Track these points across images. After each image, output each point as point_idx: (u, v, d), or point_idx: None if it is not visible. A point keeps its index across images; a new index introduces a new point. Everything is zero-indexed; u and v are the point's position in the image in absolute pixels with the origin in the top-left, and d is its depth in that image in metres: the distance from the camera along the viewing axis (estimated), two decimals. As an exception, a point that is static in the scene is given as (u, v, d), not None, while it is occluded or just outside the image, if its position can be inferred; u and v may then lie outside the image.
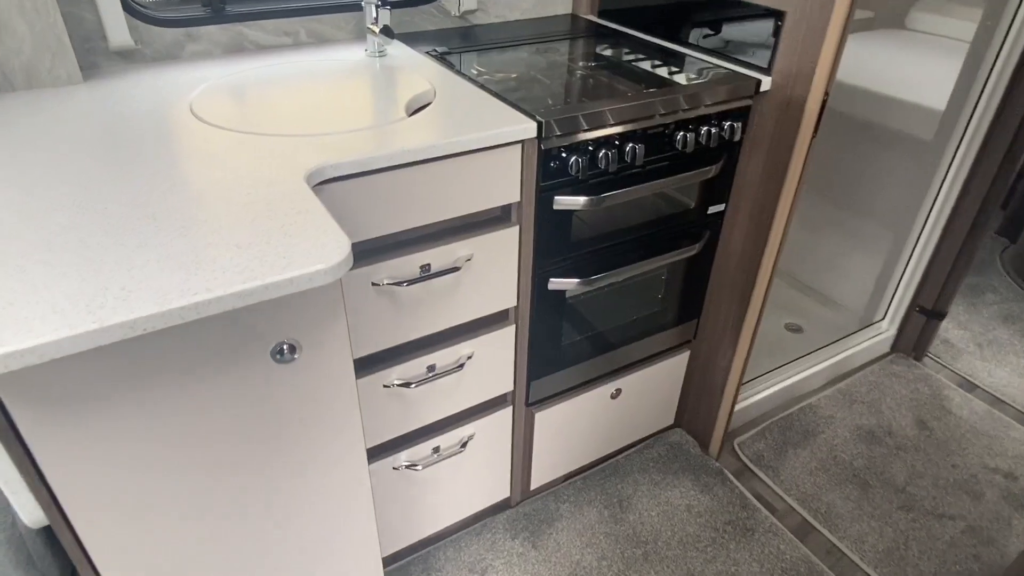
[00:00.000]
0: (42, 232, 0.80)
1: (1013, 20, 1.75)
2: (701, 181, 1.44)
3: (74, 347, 0.64)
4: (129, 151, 1.00)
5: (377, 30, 1.39)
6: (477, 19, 1.67)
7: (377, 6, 1.39)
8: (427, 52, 1.46)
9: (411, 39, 1.55)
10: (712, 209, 1.51)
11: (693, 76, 1.37)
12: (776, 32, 1.33)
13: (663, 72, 1.40)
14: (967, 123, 1.91)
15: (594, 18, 1.77)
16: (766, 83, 1.37)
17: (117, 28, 1.28)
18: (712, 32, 1.47)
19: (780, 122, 1.38)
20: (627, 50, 1.54)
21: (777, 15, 1.32)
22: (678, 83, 1.34)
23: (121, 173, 0.93)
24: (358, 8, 1.51)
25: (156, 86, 1.24)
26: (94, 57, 1.31)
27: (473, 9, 1.64)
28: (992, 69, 1.82)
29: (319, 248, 0.77)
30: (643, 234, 1.44)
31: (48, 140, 1.03)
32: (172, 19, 1.36)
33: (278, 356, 0.83)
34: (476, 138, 1.08)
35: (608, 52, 1.54)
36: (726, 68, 1.41)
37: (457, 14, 1.63)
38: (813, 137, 1.34)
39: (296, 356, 0.84)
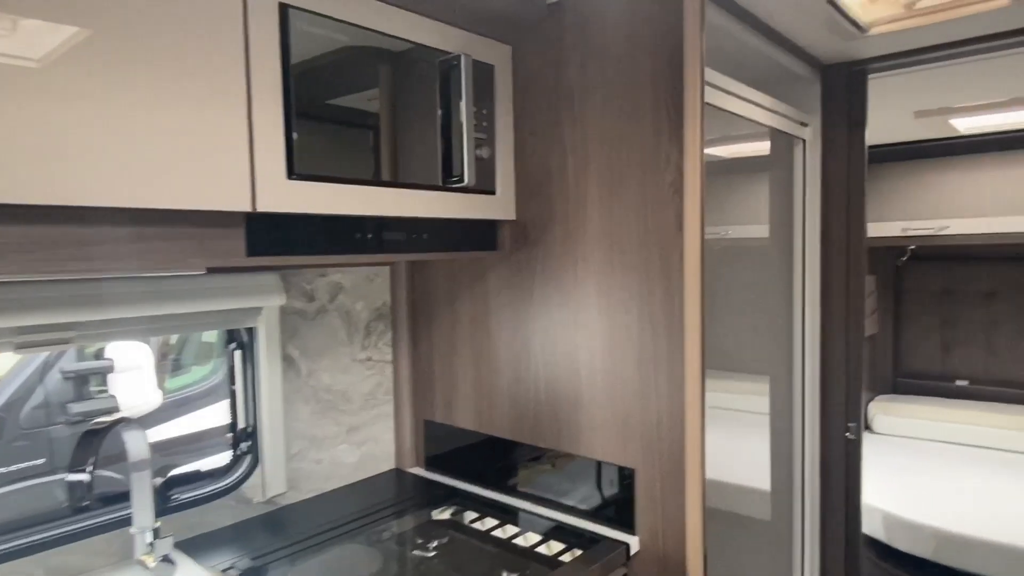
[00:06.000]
0: None
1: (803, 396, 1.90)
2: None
3: None
4: None
5: (152, 564, 1.06)
6: (288, 499, 1.41)
7: (154, 533, 1.07)
8: (223, 571, 1.14)
9: (203, 545, 1.22)
10: None
11: (558, 548, 1.20)
12: (629, 488, 1.23)
13: (520, 542, 1.22)
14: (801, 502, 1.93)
15: (421, 470, 1.60)
16: (634, 543, 1.22)
17: None
18: (552, 487, 1.36)
19: (663, 588, 1.21)
20: (467, 513, 1.36)
21: (625, 472, 1.24)
22: (540, 557, 1.15)
23: None
24: (123, 525, 1.17)
25: None
26: None
27: (282, 492, 1.38)
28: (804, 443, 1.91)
29: None
30: None
31: None
32: None
33: None
34: None
35: (445, 516, 1.35)
36: (579, 527, 1.26)
37: (263, 500, 1.36)
38: (703, 601, 1.17)
39: None
